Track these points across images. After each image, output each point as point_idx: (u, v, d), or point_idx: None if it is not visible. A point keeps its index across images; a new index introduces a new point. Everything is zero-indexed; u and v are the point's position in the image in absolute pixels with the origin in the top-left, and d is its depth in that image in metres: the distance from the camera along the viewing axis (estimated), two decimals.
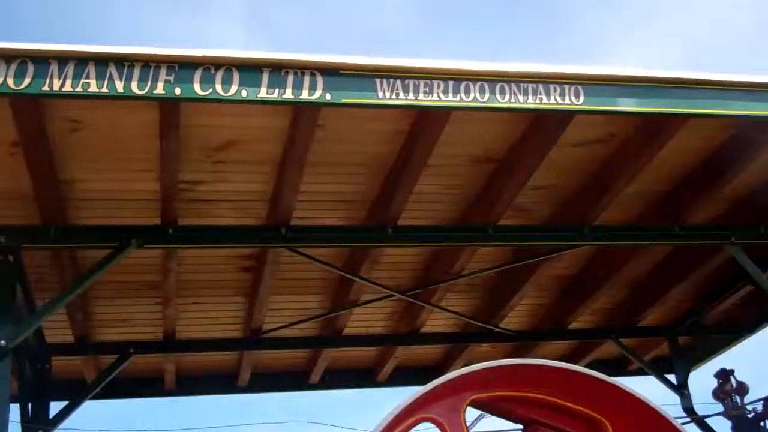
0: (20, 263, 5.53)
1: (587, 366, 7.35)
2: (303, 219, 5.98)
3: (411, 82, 4.65)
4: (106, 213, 5.73)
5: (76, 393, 7.44)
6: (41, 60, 4.28)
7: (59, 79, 4.28)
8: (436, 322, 7.97)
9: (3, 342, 5.13)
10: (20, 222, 5.61)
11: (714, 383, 8.21)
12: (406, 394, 3.84)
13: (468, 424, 5.73)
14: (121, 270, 6.43)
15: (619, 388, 4.00)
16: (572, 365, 4.23)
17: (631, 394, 3.98)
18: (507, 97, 4.77)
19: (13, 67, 4.25)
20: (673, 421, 4.02)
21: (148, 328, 7.41)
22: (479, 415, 5.85)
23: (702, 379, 8.57)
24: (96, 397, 7.57)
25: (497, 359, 8.37)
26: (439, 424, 3.88)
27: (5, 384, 5.16)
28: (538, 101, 4.81)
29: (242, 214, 6.01)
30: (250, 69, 4.48)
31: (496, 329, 7.84)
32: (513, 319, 8.07)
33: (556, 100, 4.84)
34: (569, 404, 4.04)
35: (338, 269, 6.59)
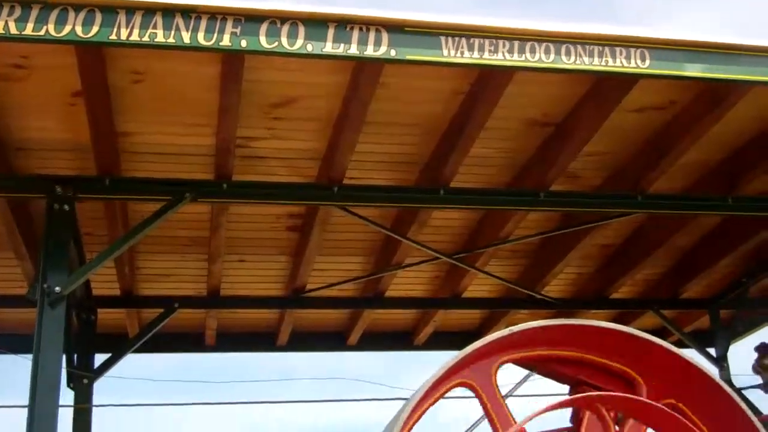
0: (74, 214, 5.57)
1: None
2: (355, 179, 5.98)
3: (476, 40, 4.59)
4: (161, 167, 5.74)
5: (118, 346, 7.53)
6: (109, 9, 4.24)
7: (126, 28, 4.26)
8: (477, 287, 7.97)
9: (58, 289, 5.17)
10: (76, 173, 5.64)
11: (754, 357, 8.19)
12: (444, 359, 3.80)
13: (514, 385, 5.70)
14: (169, 225, 6.47)
15: (652, 342, 3.91)
16: (603, 322, 4.12)
17: (663, 347, 3.89)
18: (572, 58, 4.70)
19: (81, 15, 4.23)
20: (705, 370, 3.87)
21: (192, 284, 7.46)
22: (526, 375, 5.83)
23: (742, 353, 8.53)
24: (138, 350, 7.65)
25: None
26: (472, 388, 3.85)
27: (60, 329, 5.22)
28: (603, 63, 4.74)
29: (293, 173, 6.01)
30: (316, 23, 4.43)
31: (538, 296, 7.82)
32: (555, 287, 8.06)
33: (621, 62, 4.77)
34: (605, 362, 3.98)
35: (387, 230, 6.58)
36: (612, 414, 3.90)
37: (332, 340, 8.64)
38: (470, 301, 8.12)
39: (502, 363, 3.97)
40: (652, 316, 8.28)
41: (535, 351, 4.03)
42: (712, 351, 8.48)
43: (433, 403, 3.81)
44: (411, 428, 3.66)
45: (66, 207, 5.39)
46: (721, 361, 8.35)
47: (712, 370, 3.77)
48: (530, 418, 3.67)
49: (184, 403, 7.37)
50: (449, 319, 8.50)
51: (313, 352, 8.75)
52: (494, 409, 3.85)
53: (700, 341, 8.52)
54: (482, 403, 3.86)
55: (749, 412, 3.81)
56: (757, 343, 8.25)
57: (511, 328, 3.93)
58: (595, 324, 3.97)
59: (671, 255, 7.77)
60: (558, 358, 4.06)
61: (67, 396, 7.14)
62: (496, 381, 3.93)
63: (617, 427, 3.92)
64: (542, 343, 3.99)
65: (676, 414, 3.67)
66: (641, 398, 3.85)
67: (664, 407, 3.70)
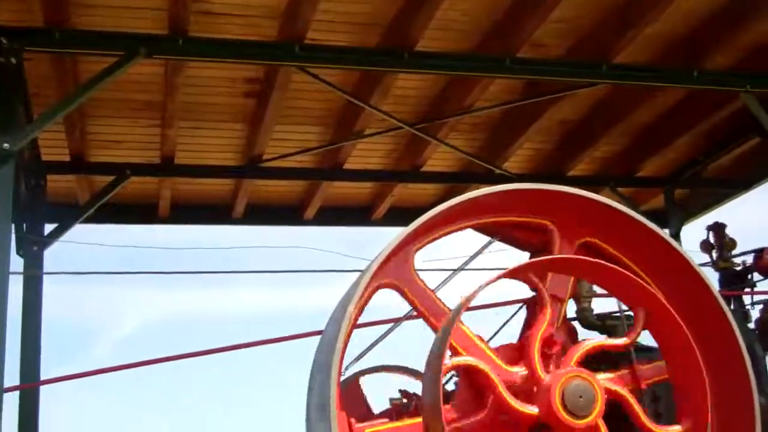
0: (22, 68, 5.31)
1: None
2: (316, 40, 5.77)
3: None
4: (113, 21, 5.46)
5: (69, 214, 7.36)
6: None
7: None
8: (437, 161, 7.89)
9: (6, 145, 4.97)
10: (22, 24, 5.34)
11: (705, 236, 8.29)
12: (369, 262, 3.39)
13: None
14: (122, 87, 6.27)
15: (559, 192, 3.71)
16: (502, 185, 3.86)
17: (569, 192, 3.72)
18: None
19: None
20: (617, 207, 3.77)
21: (146, 151, 7.25)
22: (485, 244, 5.78)
23: (696, 234, 8.64)
24: (90, 221, 7.50)
25: None
26: (394, 287, 3.52)
27: (8, 190, 5.04)
28: None
29: (253, 32, 5.78)
30: None
31: (497, 171, 7.77)
32: (514, 162, 8.03)
33: None
34: (515, 219, 3.81)
35: (348, 94, 6.41)
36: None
37: (289, 214, 8.53)
38: (429, 175, 8.04)
39: (415, 251, 3.69)
40: (609, 194, 8.30)
41: (442, 230, 3.79)
42: (666, 231, 8.56)
43: (360, 313, 3.52)
44: (347, 344, 3.37)
45: (13, 60, 5.13)
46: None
47: (626, 208, 3.70)
48: (465, 304, 3.39)
49: (135, 271, 7.20)
50: (407, 193, 8.41)
51: (270, 226, 8.65)
52: (422, 303, 3.50)
53: (655, 220, 8.52)
54: (409, 301, 3.52)
55: (667, 236, 3.79)
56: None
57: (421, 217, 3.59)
58: (497, 188, 3.71)
59: (630, 132, 7.76)
60: (476, 227, 3.87)
61: (17, 264, 7.00)
62: (415, 272, 3.52)
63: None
64: (450, 221, 3.75)
65: (589, 258, 3.53)
66: (552, 256, 3.70)
67: (579, 257, 3.57)
